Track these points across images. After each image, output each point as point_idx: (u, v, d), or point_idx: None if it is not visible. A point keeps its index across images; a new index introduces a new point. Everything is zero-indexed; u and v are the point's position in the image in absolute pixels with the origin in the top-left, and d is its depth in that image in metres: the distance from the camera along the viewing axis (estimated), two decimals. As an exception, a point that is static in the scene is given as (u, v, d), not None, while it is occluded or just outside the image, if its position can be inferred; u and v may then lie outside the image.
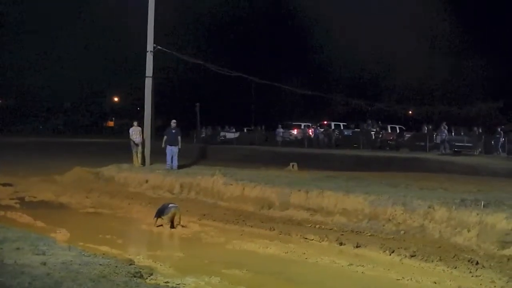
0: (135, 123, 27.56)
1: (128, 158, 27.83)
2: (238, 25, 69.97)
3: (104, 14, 61.96)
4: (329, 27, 58.78)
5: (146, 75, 28.07)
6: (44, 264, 8.69)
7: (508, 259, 11.91)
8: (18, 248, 9.83)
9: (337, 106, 64.84)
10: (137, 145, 27.06)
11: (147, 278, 9.41)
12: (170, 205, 15.99)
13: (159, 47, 28.05)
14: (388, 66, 61.46)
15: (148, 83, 28.07)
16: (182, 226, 15.82)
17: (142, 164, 27.02)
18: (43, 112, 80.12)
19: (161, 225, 15.83)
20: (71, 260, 9.20)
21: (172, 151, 26.05)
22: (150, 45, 27.85)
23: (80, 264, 8.95)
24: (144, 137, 27.24)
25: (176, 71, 59.35)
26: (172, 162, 26.02)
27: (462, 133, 43.03)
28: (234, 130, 58.59)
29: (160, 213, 15.96)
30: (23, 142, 49.22)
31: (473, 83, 59.93)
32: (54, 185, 24.38)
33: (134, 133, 27.06)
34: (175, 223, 15.74)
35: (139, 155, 26.90)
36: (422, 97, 61.89)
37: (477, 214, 13.67)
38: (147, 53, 27.95)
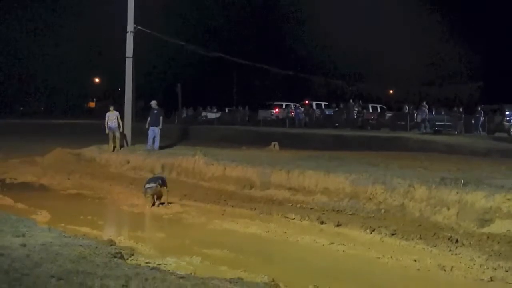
0: (111, 108, 26.78)
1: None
2: (220, 7, 69.70)
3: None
4: (312, 8, 58.86)
5: (127, 55, 27.90)
6: (24, 245, 8.64)
7: (488, 237, 11.99)
8: (-3, 230, 9.79)
9: (319, 86, 64.93)
10: (113, 130, 26.35)
11: (127, 259, 9.39)
12: (147, 185, 16.12)
13: (139, 27, 27.86)
14: (370, 47, 61.60)
15: (129, 63, 27.90)
16: (161, 204, 15.98)
17: (119, 149, 26.43)
18: (23, 94, 79.27)
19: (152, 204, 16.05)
20: (51, 242, 9.16)
21: (153, 131, 25.90)
22: (130, 26, 27.66)
23: (60, 246, 8.91)
24: (120, 121, 26.37)
25: (158, 51, 58.91)
26: (153, 143, 25.90)
27: (442, 113, 43.15)
28: (215, 110, 58.56)
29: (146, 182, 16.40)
30: (2, 124, 48.83)
31: (454, 63, 60.24)
32: (35, 166, 24.26)
33: (110, 118, 26.42)
34: (156, 199, 16.03)
35: (117, 141, 26.31)
36: (403, 77, 62.04)
37: (457, 193, 13.75)
38: (127, 34, 27.77)
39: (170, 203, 16.20)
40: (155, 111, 26.17)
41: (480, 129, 38.96)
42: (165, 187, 16.34)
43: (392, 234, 12.54)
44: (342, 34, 57.32)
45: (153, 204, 15.97)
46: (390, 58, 58.30)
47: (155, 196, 15.98)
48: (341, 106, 49.12)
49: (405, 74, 61.43)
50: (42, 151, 26.82)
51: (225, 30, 68.91)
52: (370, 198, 15.53)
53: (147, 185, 16.08)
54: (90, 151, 26.78)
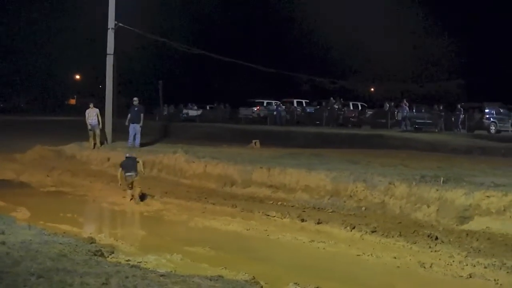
0: (91, 105, 26.58)
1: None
2: (200, 3, 69.44)
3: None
4: (295, 4, 58.95)
5: (107, 52, 27.74)
6: (3, 243, 8.60)
7: (467, 234, 12.07)
8: (-24, 228, 9.73)
9: (301, 84, 64.92)
10: (93, 127, 26.21)
11: (108, 257, 9.38)
12: (127, 174, 16.34)
13: (120, 24, 27.68)
14: (351, 45, 61.62)
15: (109, 60, 27.73)
16: (132, 198, 16.16)
17: (99, 146, 26.33)
18: (3, 90, 78.73)
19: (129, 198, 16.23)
20: (31, 239, 9.13)
21: (134, 129, 25.79)
22: (111, 22, 27.49)
23: (39, 243, 8.88)
24: (99, 118, 26.27)
25: (139, 48, 58.55)
26: (134, 140, 25.81)
27: (423, 110, 43.26)
28: (196, 107, 58.40)
29: (123, 168, 16.56)
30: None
31: (435, 61, 60.44)
32: (14, 163, 24.04)
33: (90, 115, 26.28)
34: (134, 192, 16.18)
35: (97, 138, 26.19)
36: (384, 74, 62.13)
37: (437, 190, 13.84)
38: (108, 31, 27.61)
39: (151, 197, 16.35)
40: (136, 108, 26.08)
41: (460, 127, 39.24)
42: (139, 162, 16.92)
43: (373, 232, 12.58)
44: (325, 30, 57.50)
45: (132, 199, 16.11)
46: (371, 55, 58.36)
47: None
48: (323, 103, 49.12)
49: (386, 71, 61.58)
50: (22, 148, 26.59)
51: (208, 28, 68.71)
52: (350, 196, 15.58)
53: (127, 174, 16.28)
54: (71, 148, 26.64)
